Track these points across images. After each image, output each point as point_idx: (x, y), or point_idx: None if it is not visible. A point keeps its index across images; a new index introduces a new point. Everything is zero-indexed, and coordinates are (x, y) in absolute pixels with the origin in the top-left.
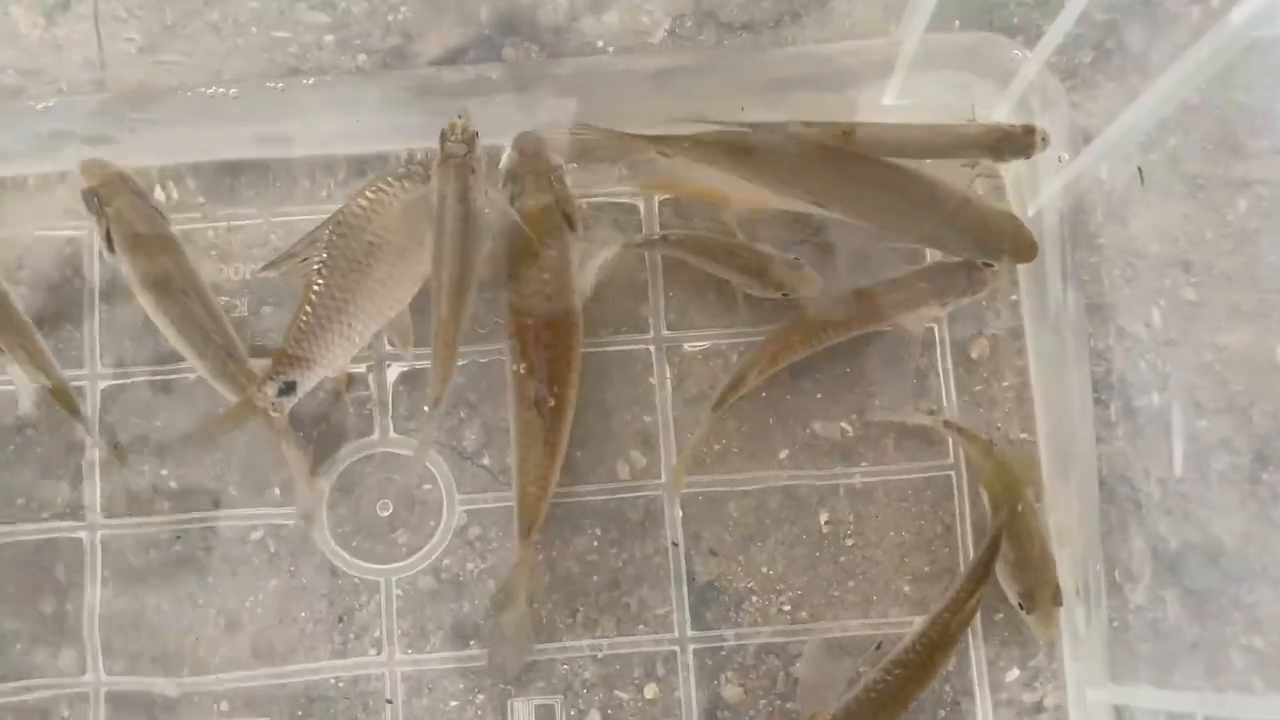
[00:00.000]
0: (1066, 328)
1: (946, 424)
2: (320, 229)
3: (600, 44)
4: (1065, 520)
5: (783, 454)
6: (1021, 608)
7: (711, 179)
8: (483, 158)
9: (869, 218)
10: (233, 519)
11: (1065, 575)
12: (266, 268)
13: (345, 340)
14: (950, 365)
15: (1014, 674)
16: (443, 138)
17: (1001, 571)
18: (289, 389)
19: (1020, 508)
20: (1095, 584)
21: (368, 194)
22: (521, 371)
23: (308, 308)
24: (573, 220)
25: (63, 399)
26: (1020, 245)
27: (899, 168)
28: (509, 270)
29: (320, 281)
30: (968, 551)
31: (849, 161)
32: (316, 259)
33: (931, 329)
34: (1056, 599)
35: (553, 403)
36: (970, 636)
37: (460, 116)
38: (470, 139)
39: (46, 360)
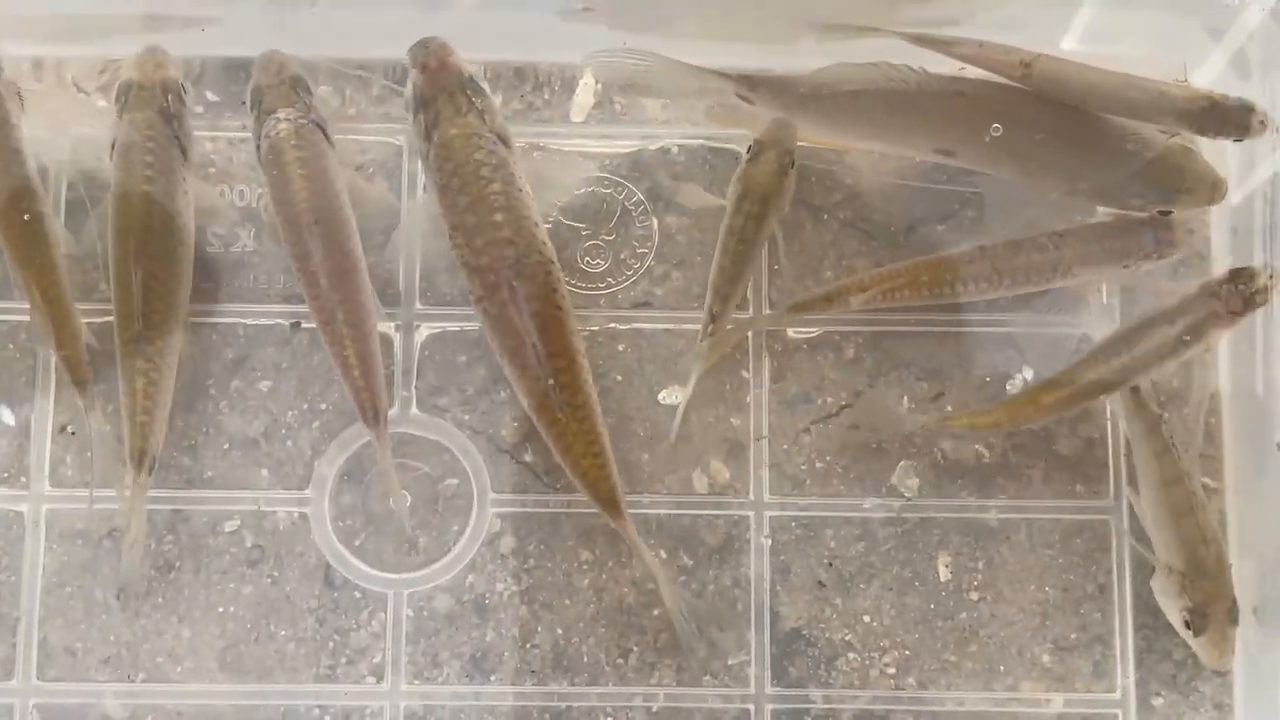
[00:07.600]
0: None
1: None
2: None
3: None
4: (1254, 519)
5: (900, 476)
6: (1188, 626)
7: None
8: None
9: (1003, 166)
10: (205, 502)
11: (1244, 589)
12: None
13: None
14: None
15: (1159, 700)
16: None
17: (1162, 583)
18: None
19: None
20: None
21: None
22: (511, 346)
23: None
24: (506, 139)
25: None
26: (1202, 181)
27: (1038, 99)
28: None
29: None
30: (1125, 621)
31: (980, 97)
32: None
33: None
34: (1233, 616)
35: (556, 378)
36: (1119, 657)
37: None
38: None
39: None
